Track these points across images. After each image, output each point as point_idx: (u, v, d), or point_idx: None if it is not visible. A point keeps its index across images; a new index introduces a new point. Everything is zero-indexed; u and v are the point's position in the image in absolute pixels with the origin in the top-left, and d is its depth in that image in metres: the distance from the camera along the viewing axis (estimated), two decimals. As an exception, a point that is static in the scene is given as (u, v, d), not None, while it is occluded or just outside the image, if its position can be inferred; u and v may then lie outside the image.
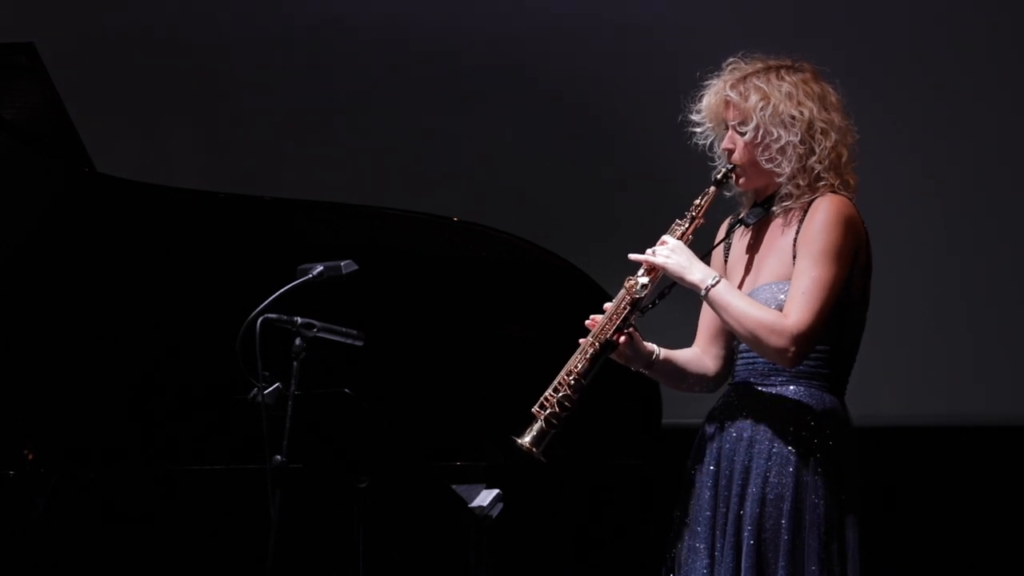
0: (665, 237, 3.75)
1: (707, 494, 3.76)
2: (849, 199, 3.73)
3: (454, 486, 4.22)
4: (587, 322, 3.76)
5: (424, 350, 5.15)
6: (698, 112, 3.83)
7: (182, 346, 5.03)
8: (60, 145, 4.95)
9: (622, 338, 3.74)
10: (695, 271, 3.71)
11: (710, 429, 3.81)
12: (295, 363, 3.74)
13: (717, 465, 3.76)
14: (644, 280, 3.73)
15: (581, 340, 3.74)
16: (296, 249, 4.49)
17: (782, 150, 3.72)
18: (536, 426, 3.67)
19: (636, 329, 3.77)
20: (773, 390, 3.74)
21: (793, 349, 3.64)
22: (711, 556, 3.73)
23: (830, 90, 3.80)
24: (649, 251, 3.74)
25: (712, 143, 3.84)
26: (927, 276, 6.31)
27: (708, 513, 3.75)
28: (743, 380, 3.80)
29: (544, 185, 6.49)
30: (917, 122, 6.32)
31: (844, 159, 3.76)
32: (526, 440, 3.66)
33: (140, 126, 6.65)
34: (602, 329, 3.73)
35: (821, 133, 3.73)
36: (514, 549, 4.68)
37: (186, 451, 4.88)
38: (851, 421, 3.77)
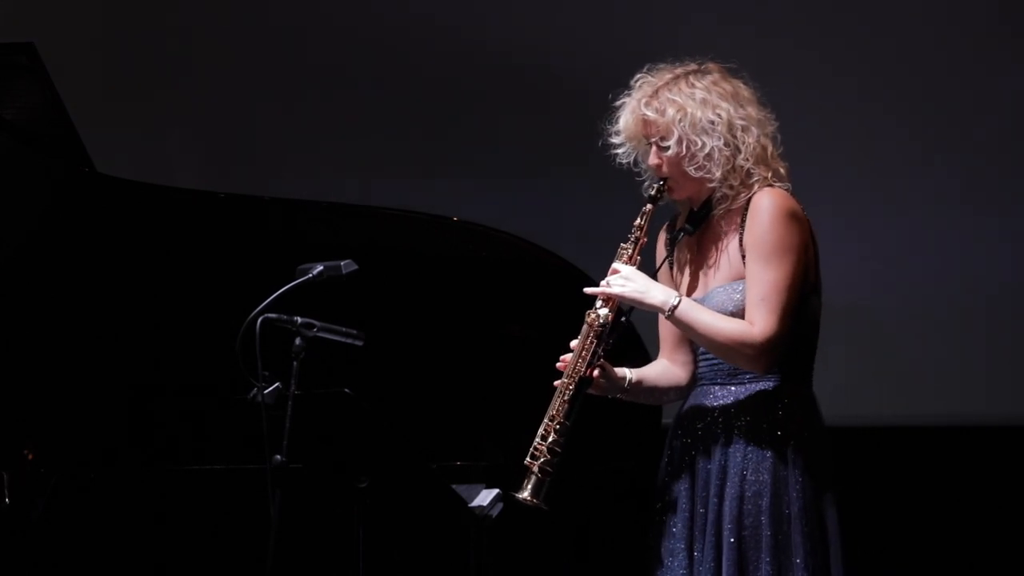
0: (616, 265, 3.76)
1: (684, 495, 3.77)
2: (786, 190, 3.75)
3: (454, 486, 4.22)
4: (558, 364, 3.77)
5: (424, 350, 5.15)
6: (616, 133, 3.84)
7: (182, 346, 5.03)
8: (60, 145, 4.94)
9: (595, 372, 3.76)
10: (655, 294, 3.72)
11: (681, 431, 3.83)
12: (295, 363, 3.74)
13: (692, 466, 3.77)
14: (604, 311, 3.75)
15: (556, 383, 3.76)
16: (296, 249, 4.49)
17: (708, 156, 3.73)
18: (532, 478, 3.70)
19: (606, 359, 3.79)
20: (742, 388, 3.76)
21: (764, 358, 3.70)
22: (690, 556, 3.74)
23: (741, 85, 3.81)
24: (604, 283, 3.75)
25: (636, 159, 3.85)
26: (927, 276, 6.30)
27: (686, 514, 3.77)
28: (710, 381, 3.81)
29: (545, 185, 6.49)
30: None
31: (769, 150, 3.78)
32: (526, 494, 3.71)
33: (140, 126, 6.65)
34: (574, 368, 3.74)
35: (742, 131, 3.74)
36: (514, 549, 4.67)
37: (186, 451, 4.88)
38: (820, 410, 3.78)
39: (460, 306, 5.18)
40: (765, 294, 3.67)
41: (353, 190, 6.17)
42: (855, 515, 6.05)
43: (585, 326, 3.75)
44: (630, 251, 3.77)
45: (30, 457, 4.79)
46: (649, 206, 3.79)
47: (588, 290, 3.75)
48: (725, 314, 3.71)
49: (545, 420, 3.72)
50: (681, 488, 3.78)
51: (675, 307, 3.69)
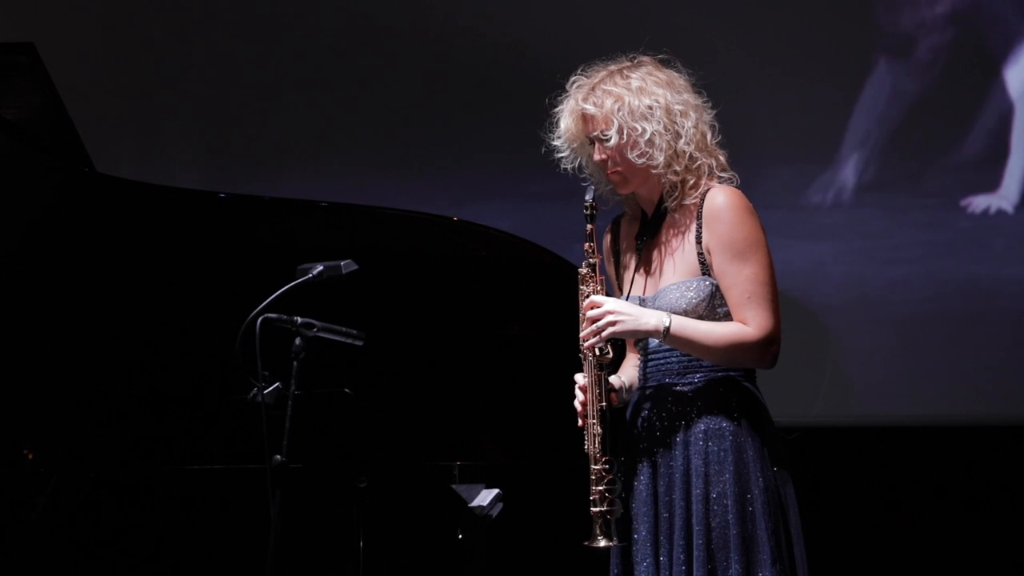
0: (594, 298, 3.75)
1: (646, 499, 3.76)
2: (735, 186, 3.76)
3: (454, 486, 4.22)
4: (579, 410, 3.78)
5: (424, 350, 5.15)
6: (558, 138, 3.86)
7: (182, 346, 5.03)
8: (60, 145, 4.95)
9: (614, 398, 3.78)
10: (647, 320, 3.72)
11: (635, 435, 3.81)
12: (295, 363, 3.75)
13: (653, 470, 3.76)
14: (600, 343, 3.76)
15: (580, 423, 3.77)
16: (296, 249, 4.49)
17: (650, 142, 3.74)
18: (599, 523, 3.71)
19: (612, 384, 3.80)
20: (692, 387, 3.76)
21: (769, 353, 3.71)
22: (656, 561, 3.74)
23: (675, 74, 3.84)
24: (594, 327, 3.72)
25: (580, 166, 3.86)
26: (927, 276, 6.31)
27: (648, 519, 3.76)
28: (659, 383, 3.81)
29: (545, 184, 6.49)
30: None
31: (708, 137, 3.79)
32: (602, 542, 3.70)
33: (140, 126, 6.65)
34: (593, 405, 3.75)
35: (681, 115, 3.76)
36: (514, 549, 4.68)
37: (186, 451, 4.88)
38: (765, 402, 3.79)
39: (460, 306, 5.18)
40: (751, 291, 3.69)
41: (354, 190, 6.17)
42: (849, 513, 6.07)
43: (585, 363, 3.76)
44: (595, 276, 3.78)
45: (30, 457, 4.79)
46: (589, 226, 3.80)
47: (587, 344, 3.74)
48: (678, 312, 3.72)
49: (591, 466, 3.73)
50: (642, 492, 3.77)
51: (668, 328, 3.70)
